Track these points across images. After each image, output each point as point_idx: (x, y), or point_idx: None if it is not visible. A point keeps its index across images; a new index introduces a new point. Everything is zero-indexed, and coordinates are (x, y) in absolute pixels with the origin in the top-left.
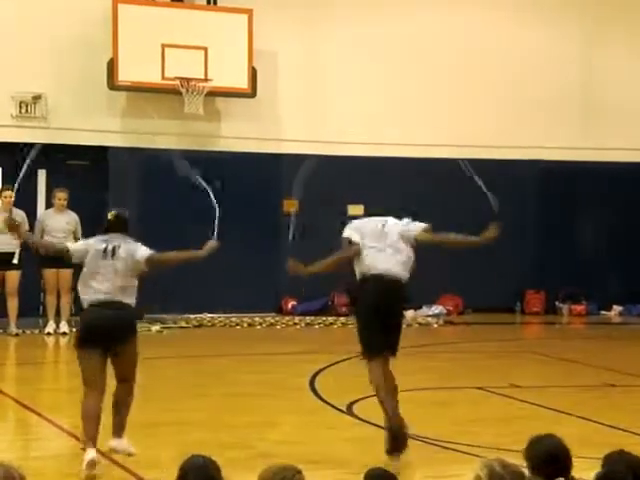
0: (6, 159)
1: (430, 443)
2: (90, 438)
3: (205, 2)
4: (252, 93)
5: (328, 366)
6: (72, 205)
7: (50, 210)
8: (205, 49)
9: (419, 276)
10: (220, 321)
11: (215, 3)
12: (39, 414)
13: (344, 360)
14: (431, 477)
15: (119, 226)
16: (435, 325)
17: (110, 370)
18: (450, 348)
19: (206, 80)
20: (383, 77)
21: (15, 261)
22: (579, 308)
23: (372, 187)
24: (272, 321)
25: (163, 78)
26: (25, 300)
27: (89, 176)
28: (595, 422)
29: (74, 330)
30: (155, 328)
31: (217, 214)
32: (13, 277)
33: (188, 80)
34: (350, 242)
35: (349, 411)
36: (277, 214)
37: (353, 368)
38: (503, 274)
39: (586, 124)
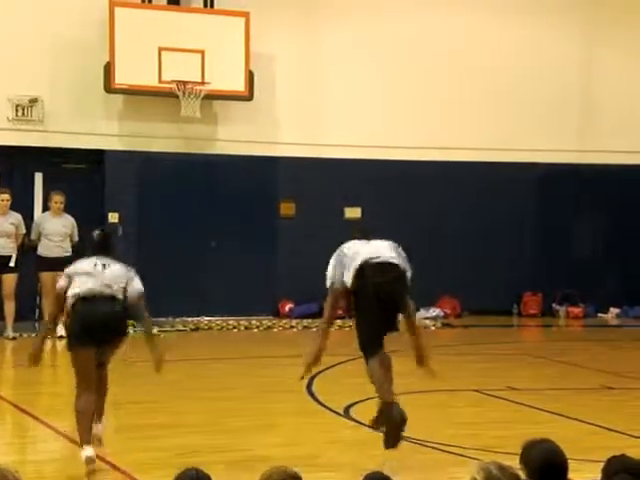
0: (2, 162)
1: (427, 446)
2: (87, 435)
3: (202, 5)
4: (249, 96)
5: (325, 369)
6: (69, 208)
7: (47, 213)
8: (202, 52)
9: (416, 279)
10: (217, 324)
11: (212, 6)
12: (36, 417)
13: (341, 363)
14: None
15: (106, 249)
16: (433, 328)
17: None
18: (447, 350)
19: (203, 83)
20: (380, 80)
21: (12, 264)
22: (576, 310)
23: (369, 190)
24: (269, 324)
25: (160, 81)
26: (21, 303)
27: (86, 179)
28: (592, 424)
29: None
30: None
31: None
32: (10, 280)
33: (185, 83)
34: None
35: (346, 414)
36: (274, 217)
37: (350, 371)
38: (500, 276)
39: (585, 126)
